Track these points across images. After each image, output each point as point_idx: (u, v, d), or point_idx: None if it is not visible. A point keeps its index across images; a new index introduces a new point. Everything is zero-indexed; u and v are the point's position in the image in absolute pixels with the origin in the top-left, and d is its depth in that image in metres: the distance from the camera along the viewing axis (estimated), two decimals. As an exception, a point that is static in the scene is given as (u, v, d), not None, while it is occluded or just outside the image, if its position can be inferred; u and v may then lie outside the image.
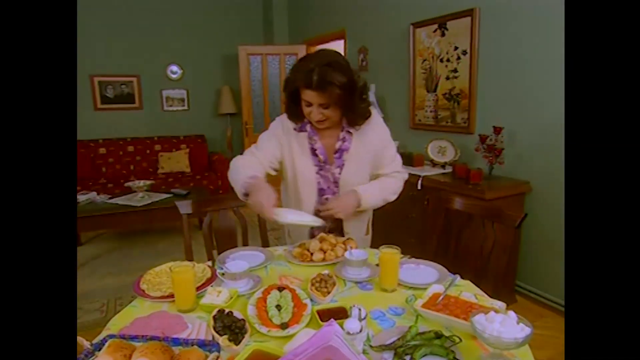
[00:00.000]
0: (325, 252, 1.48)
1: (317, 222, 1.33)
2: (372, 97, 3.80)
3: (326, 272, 1.29)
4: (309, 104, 1.42)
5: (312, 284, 1.23)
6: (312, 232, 1.69)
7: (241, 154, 1.60)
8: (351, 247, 1.48)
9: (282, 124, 1.58)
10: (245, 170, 1.42)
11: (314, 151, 1.56)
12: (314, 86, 1.35)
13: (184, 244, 1.82)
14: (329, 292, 1.20)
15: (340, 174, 1.57)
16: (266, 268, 1.44)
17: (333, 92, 1.36)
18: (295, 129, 1.55)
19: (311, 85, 1.36)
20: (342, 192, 1.58)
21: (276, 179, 1.63)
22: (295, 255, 1.49)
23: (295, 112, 1.51)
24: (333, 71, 1.35)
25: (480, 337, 0.90)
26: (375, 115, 1.58)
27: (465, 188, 2.54)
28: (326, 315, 1.07)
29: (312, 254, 1.48)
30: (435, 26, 3.19)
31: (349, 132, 1.54)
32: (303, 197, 1.59)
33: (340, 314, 1.09)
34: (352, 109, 1.46)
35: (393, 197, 1.63)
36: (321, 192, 1.61)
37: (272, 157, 1.55)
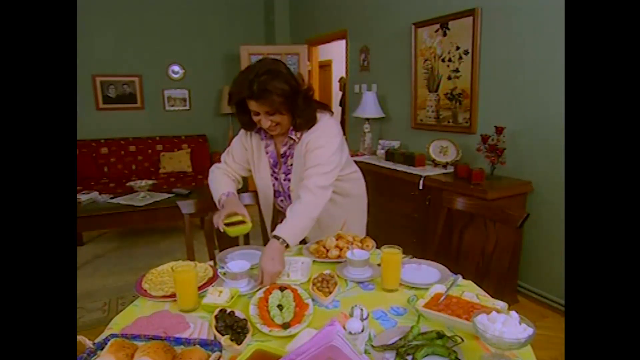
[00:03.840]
0: (341, 250, 1.48)
1: (300, 280, 1.32)
2: (373, 96, 3.80)
3: (327, 271, 1.30)
4: (257, 113, 1.46)
5: (314, 284, 1.24)
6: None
7: (219, 160, 1.76)
8: (367, 246, 1.49)
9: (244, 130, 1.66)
10: (220, 187, 1.60)
11: (266, 155, 1.64)
12: (256, 95, 1.38)
13: (185, 243, 1.82)
14: (330, 292, 1.20)
15: (285, 179, 1.64)
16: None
17: (275, 100, 1.39)
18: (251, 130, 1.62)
19: (253, 95, 1.39)
20: (293, 199, 1.59)
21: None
22: (311, 251, 1.51)
23: (246, 121, 1.56)
24: (272, 79, 1.38)
25: (482, 337, 0.90)
26: (325, 120, 1.55)
27: (467, 188, 2.54)
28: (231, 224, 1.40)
29: (327, 250, 1.49)
30: (437, 26, 3.19)
31: (291, 137, 1.55)
32: (264, 197, 1.73)
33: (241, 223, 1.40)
34: (298, 114, 1.48)
35: (317, 212, 1.47)
36: (277, 194, 1.71)
37: (241, 163, 1.69)
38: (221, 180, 1.64)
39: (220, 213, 1.45)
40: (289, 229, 1.39)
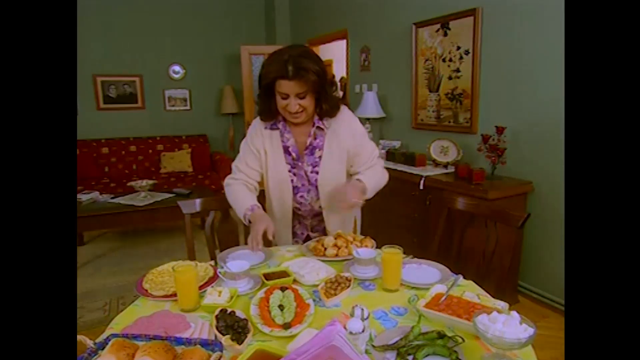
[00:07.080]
0: (339, 249, 1.48)
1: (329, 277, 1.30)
2: (374, 96, 3.80)
3: (346, 274, 1.28)
4: (285, 96, 1.44)
5: (325, 282, 1.23)
6: (294, 233, 1.74)
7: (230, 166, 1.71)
8: (367, 246, 1.49)
9: (255, 129, 1.63)
10: (243, 201, 1.55)
11: (286, 149, 1.60)
12: (291, 75, 1.38)
13: (186, 243, 1.82)
14: (335, 295, 1.19)
15: (312, 171, 1.60)
16: (269, 267, 1.44)
17: (309, 80, 1.39)
18: (266, 128, 1.60)
19: (288, 75, 1.38)
20: (320, 192, 1.61)
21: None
22: (310, 249, 1.52)
23: (269, 108, 1.54)
24: (307, 60, 1.40)
25: (483, 337, 0.90)
26: (346, 111, 1.62)
27: (467, 188, 2.54)
28: (271, 276, 1.30)
29: (325, 249, 1.49)
30: (438, 26, 3.19)
31: (319, 127, 1.56)
32: (279, 195, 1.65)
33: (282, 275, 1.31)
34: (326, 98, 1.49)
35: (384, 182, 1.66)
36: (295, 190, 1.64)
37: (254, 169, 1.64)
38: (241, 194, 1.58)
39: (253, 234, 1.39)
40: (368, 179, 1.53)
